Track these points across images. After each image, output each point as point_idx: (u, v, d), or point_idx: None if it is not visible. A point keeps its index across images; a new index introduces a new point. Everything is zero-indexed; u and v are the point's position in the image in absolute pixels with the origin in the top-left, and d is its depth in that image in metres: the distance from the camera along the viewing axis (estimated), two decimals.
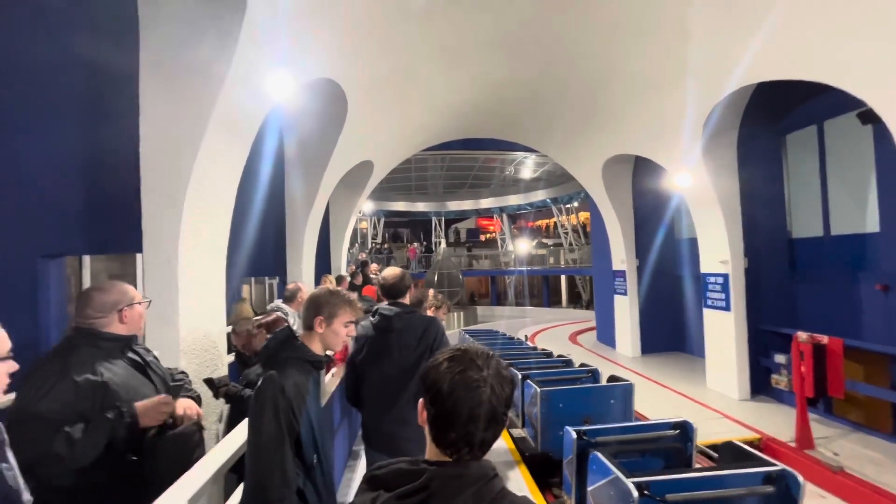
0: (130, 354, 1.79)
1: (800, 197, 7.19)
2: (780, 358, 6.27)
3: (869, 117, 5.58)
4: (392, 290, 2.53)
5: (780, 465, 2.66)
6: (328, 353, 1.79)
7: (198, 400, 2.00)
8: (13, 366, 1.24)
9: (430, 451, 0.84)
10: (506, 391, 0.83)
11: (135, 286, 4.45)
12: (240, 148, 3.63)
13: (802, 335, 5.32)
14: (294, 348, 1.63)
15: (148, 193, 3.00)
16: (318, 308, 1.69)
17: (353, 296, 1.79)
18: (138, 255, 4.22)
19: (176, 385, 1.98)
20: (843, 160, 6.42)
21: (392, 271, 2.60)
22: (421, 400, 0.86)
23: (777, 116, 7.16)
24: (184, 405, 1.85)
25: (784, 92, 6.32)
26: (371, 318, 2.52)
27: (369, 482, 0.85)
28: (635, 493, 2.45)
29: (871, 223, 6.02)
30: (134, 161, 3.01)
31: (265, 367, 1.63)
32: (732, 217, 6.85)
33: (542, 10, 5.75)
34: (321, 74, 4.89)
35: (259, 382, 1.55)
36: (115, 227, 3.19)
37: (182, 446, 1.83)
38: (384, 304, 2.55)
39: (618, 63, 6.73)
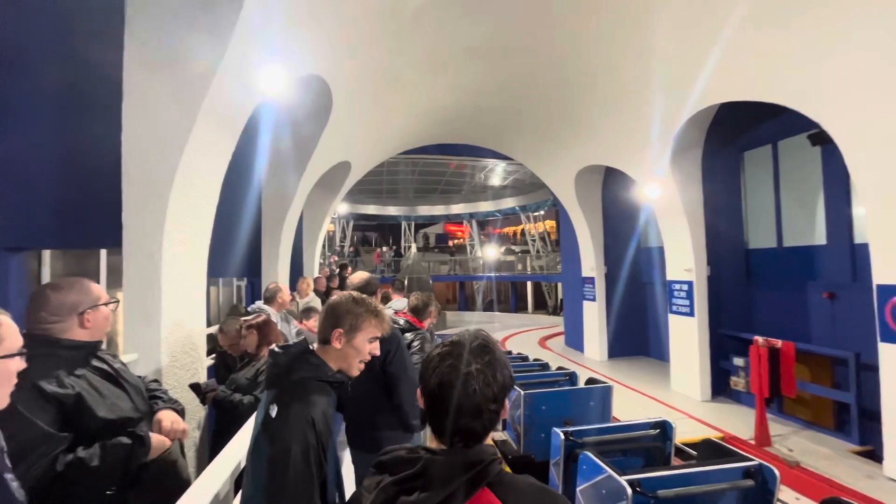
0: (96, 363, 1.56)
1: (756, 210, 7.73)
2: (738, 361, 6.68)
3: (818, 139, 6.11)
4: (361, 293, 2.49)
5: (756, 461, 2.83)
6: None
7: (182, 413, 1.81)
8: (21, 364, 1.13)
9: (431, 439, 0.88)
10: (494, 385, 0.85)
11: (99, 283, 4.14)
12: (228, 141, 3.49)
13: (760, 339, 5.71)
14: (312, 367, 1.36)
15: (131, 185, 2.82)
16: (337, 319, 1.41)
17: (381, 307, 1.50)
18: (102, 251, 3.95)
19: (153, 396, 1.78)
20: (795, 178, 6.98)
21: (359, 276, 2.56)
22: (419, 390, 0.90)
23: (737, 134, 7.68)
24: (170, 419, 1.66)
25: (744, 112, 6.81)
26: None
27: (376, 467, 0.90)
28: (629, 490, 2.53)
29: (819, 236, 6.56)
30: (115, 152, 2.83)
31: (274, 385, 1.37)
32: (697, 227, 7.26)
33: (526, 22, 5.92)
34: (312, 70, 4.79)
35: (272, 409, 1.29)
36: (91, 220, 2.97)
37: (169, 473, 1.67)
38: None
39: (593, 76, 7.01)
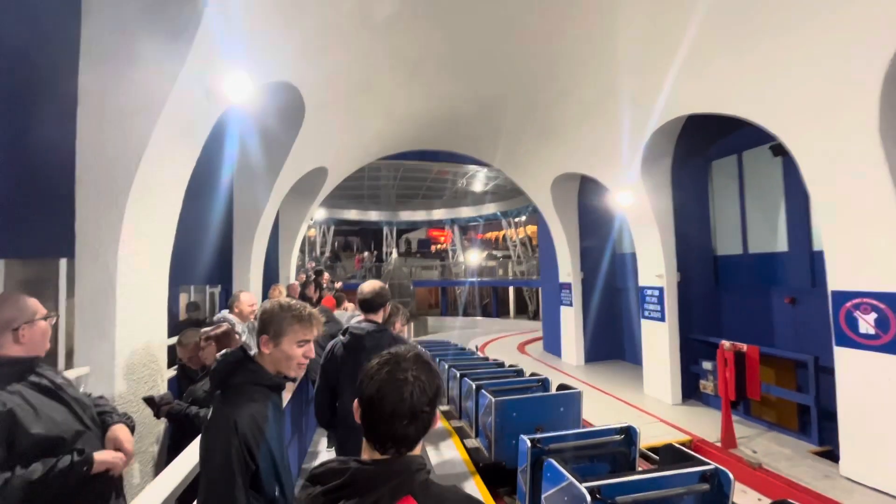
0: (34, 378, 1.52)
1: (723, 218, 7.97)
2: (707, 365, 6.84)
3: (779, 150, 6.35)
4: (367, 305, 2.47)
5: (713, 465, 2.91)
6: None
7: (132, 428, 1.77)
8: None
9: (364, 449, 0.91)
10: (429, 391, 0.90)
11: (55, 295, 4.00)
12: (191, 147, 3.43)
13: (726, 343, 5.88)
14: (248, 372, 1.43)
15: (84, 193, 2.74)
16: (263, 325, 1.47)
17: (311, 310, 1.54)
18: (61, 261, 3.82)
19: (103, 412, 1.73)
20: (758, 187, 7.24)
21: (371, 285, 2.51)
22: (356, 400, 0.92)
23: (705, 145, 7.94)
24: (121, 436, 1.64)
25: (712, 123, 7.04)
26: (342, 338, 2.46)
27: (310, 479, 0.92)
28: (588, 498, 2.57)
29: (781, 243, 6.81)
30: (67, 158, 2.75)
31: (216, 391, 1.45)
32: (667, 234, 7.45)
33: (501, 32, 6.00)
34: (280, 77, 4.76)
35: (210, 414, 1.39)
36: (41, 228, 2.87)
37: (104, 487, 1.61)
38: (354, 322, 2.49)
39: (566, 87, 7.16)
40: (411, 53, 6.13)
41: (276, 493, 1.40)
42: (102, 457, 1.53)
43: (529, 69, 6.92)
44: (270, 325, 1.46)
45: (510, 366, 6.88)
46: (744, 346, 5.79)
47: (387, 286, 2.61)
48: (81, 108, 2.74)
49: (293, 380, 1.55)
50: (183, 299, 6.38)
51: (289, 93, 5.17)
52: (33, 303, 1.56)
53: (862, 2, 3.83)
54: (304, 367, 1.51)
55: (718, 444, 5.59)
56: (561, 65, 6.59)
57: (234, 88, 3.47)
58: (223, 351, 1.64)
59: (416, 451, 0.92)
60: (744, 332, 7.13)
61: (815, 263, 6.08)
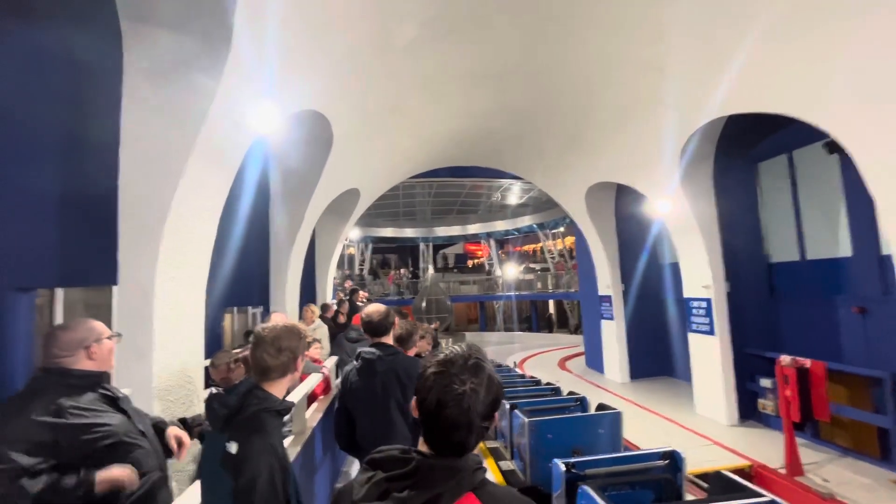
0: (101, 391, 1.74)
1: (775, 223, 7.40)
2: (765, 382, 6.30)
3: (834, 147, 5.85)
4: (375, 329, 2.47)
5: (768, 496, 2.62)
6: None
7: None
8: None
9: (422, 443, 0.93)
10: (485, 403, 0.91)
11: (110, 318, 4.29)
12: (223, 178, 3.62)
13: (786, 359, 5.38)
14: (261, 399, 1.51)
15: (125, 223, 2.95)
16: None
17: (306, 331, 1.74)
18: (114, 288, 4.12)
19: (158, 420, 2.03)
20: (814, 187, 6.68)
21: (376, 308, 2.52)
22: (414, 398, 0.95)
23: (749, 146, 7.45)
24: (178, 432, 1.97)
25: (755, 122, 6.61)
26: (355, 363, 2.47)
27: (369, 463, 0.95)
28: None
29: (844, 248, 6.21)
30: (112, 191, 2.98)
31: (227, 424, 1.47)
32: (712, 242, 7.01)
33: (525, 44, 5.98)
34: (307, 106, 4.97)
35: (239, 444, 1.40)
36: (91, 257, 3.11)
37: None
38: (367, 347, 2.49)
39: (598, 94, 6.99)
40: (435, 73, 6.23)
41: None
42: (107, 475, 1.59)
43: (555, 79, 6.83)
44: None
45: (547, 383, 6.64)
46: (807, 362, 5.27)
47: (392, 309, 2.60)
48: (123, 146, 2.96)
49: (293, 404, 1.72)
50: (227, 321, 6.69)
51: (317, 120, 5.38)
52: (99, 325, 1.79)
53: None
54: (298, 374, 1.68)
55: (782, 471, 5.07)
56: (596, 69, 6.43)
57: (262, 119, 3.66)
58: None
59: (476, 449, 0.94)
60: (806, 346, 6.50)
61: (886, 269, 5.47)
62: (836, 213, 6.29)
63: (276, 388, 1.58)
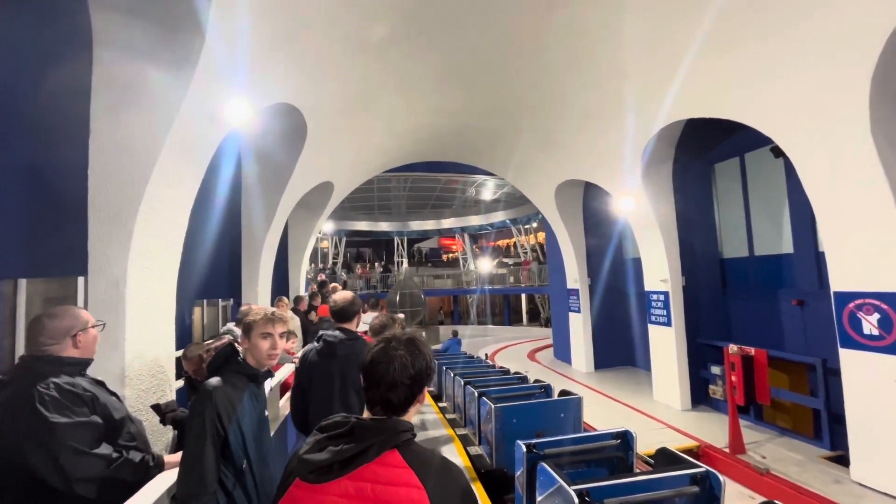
0: (86, 376, 1.85)
1: (728, 221, 7.91)
2: (715, 369, 6.76)
3: (779, 151, 6.31)
4: (340, 315, 2.55)
5: (704, 467, 2.93)
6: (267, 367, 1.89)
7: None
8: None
9: (365, 411, 1.12)
10: (411, 367, 1.09)
11: None
12: (195, 171, 3.64)
13: (733, 347, 5.82)
14: (232, 363, 1.77)
15: (96, 214, 2.95)
16: (241, 325, 1.88)
17: (273, 310, 1.88)
18: (80, 279, 4.06)
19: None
20: (762, 188, 7.18)
21: (342, 295, 2.62)
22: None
23: (707, 148, 7.91)
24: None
25: (713, 126, 7.03)
26: (316, 344, 2.52)
27: (319, 429, 1.11)
28: (577, 500, 2.62)
29: (787, 245, 6.73)
30: (82, 181, 2.97)
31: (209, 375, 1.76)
32: (670, 239, 7.43)
33: (494, 47, 6.16)
34: (281, 99, 4.98)
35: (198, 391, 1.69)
36: (59, 248, 3.08)
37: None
38: (330, 330, 2.55)
39: (566, 96, 7.25)
40: (409, 71, 6.33)
41: (244, 466, 1.65)
42: (173, 459, 1.82)
43: (526, 79, 7.04)
44: (244, 323, 1.84)
45: (515, 373, 6.91)
46: (751, 350, 5.72)
47: (357, 296, 2.70)
48: (93, 136, 2.96)
49: (271, 374, 1.91)
50: (197, 313, 6.62)
51: (290, 113, 5.39)
52: (84, 313, 1.85)
53: (847, 2, 3.86)
54: (274, 358, 1.85)
55: (726, 450, 5.51)
56: (562, 73, 6.68)
57: (236, 112, 3.68)
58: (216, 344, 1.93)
59: (407, 417, 1.10)
60: (753, 336, 7.03)
61: (822, 264, 5.99)
62: (781, 212, 6.80)
63: (249, 359, 1.84)
